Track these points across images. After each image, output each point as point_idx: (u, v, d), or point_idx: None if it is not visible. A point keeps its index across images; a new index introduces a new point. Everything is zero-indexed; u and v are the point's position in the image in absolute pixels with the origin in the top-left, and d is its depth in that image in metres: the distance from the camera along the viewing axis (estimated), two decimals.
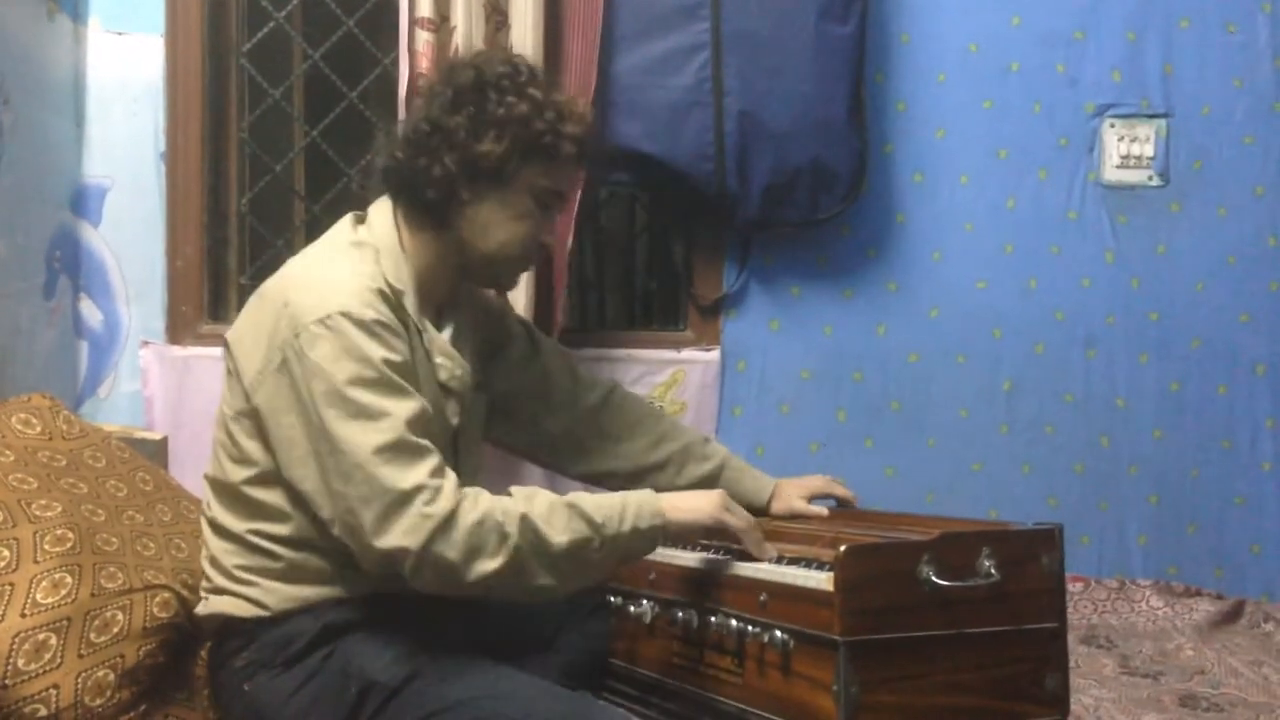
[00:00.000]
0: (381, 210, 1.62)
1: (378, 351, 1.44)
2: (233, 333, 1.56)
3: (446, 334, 1.62)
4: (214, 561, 1.55)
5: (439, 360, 1.58)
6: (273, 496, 1.50)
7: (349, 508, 1.40)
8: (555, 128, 1.58)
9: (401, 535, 1.38)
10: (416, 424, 1.44)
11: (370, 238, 1.58)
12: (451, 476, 1.43)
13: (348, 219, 1.64)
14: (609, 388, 1.90)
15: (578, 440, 1.86)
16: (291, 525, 1.50)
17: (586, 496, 1.49)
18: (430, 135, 1.56)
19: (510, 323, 1.88)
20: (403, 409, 1.43)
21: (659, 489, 1.81)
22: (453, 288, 1.66)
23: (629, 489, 1.81)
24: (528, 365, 1.86)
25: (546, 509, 1.44)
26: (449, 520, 1.38)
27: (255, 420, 1.49)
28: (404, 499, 1.38)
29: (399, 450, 1.40)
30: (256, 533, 1.51)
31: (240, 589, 1.51)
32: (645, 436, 1.86)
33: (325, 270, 1.54)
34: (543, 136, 1.57)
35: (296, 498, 1.48)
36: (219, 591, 1.54)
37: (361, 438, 1.40)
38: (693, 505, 1.54)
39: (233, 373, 1.54)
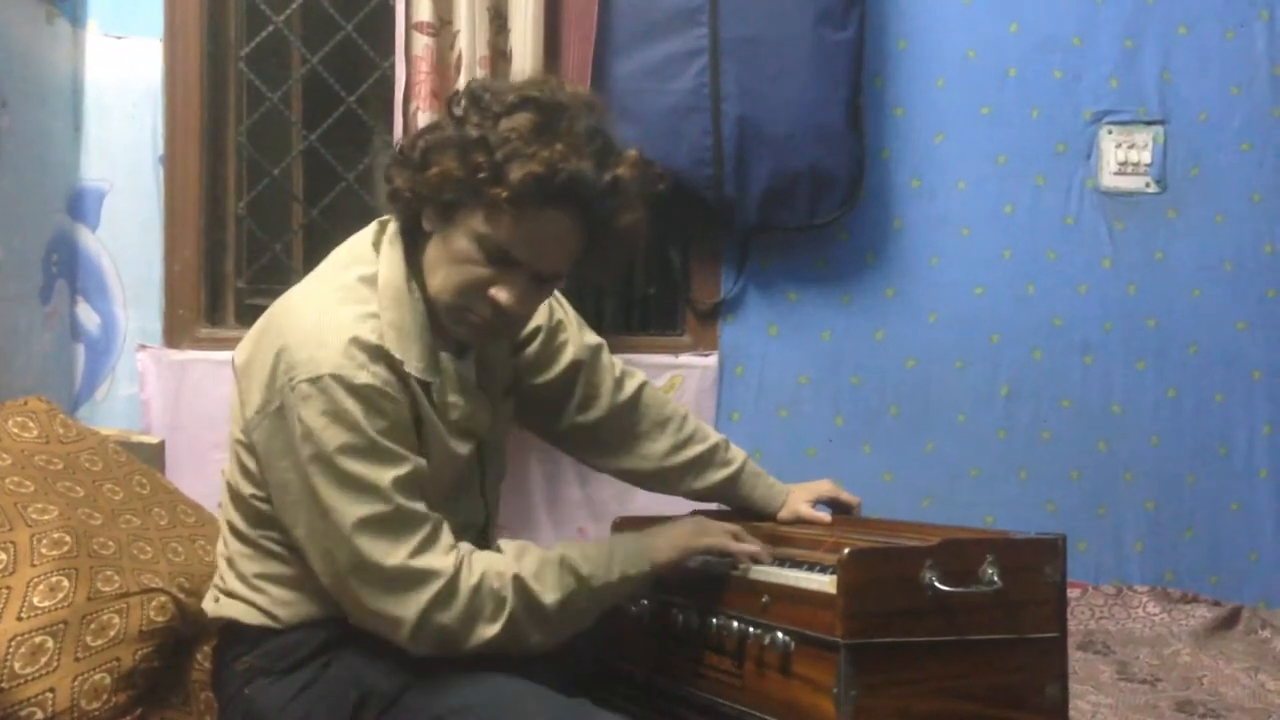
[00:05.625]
0: (393, 232, 1.50)
1: (368, 419, 1.36)
2: (239, 356, 1.50)
3: (466, 364, 1.54)
4: (230, 563, 1.54)
5: (451, 399, 1.50)
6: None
7: (337, 571, 1.39)
8: (497, 165, 1.33)
9: (394, 606, 1.37)
10: (409, 487, 1.38)
11: (382, 268, 1.45)
12: (443, 541, 1.39)
13: (369, 232, 1.50)
14: (638, 385, 1.83)
15: (605, 436, 1.82)
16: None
17: (575, 548, 1.48)
18: (401, 155, 1.43)
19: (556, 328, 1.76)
20: (393, 475, 1.37)
21: (675, 490, 1.82)
22: None
23: (649, 486, 1.83)
24: (558, 359, 1.76)
25: (537, 566, 1.43)
26: (445, 592, 1.37)
27: (254, 454, 1.46)
28: (391, 576, 1.36)
29: (385, 523, 1.36)
30: (268, 538, 1.49)
31: (252, 595, 1.50)
32: (669, 439, 1.82)
33: (323, 318, 1.40)
34: (478, 172, 1.34)
35: None
36: (231, 595, 1.53)
37: (347, 508, 1.36)
38: (669, 544, 1.53)
39: (237, 400, 1.50)
